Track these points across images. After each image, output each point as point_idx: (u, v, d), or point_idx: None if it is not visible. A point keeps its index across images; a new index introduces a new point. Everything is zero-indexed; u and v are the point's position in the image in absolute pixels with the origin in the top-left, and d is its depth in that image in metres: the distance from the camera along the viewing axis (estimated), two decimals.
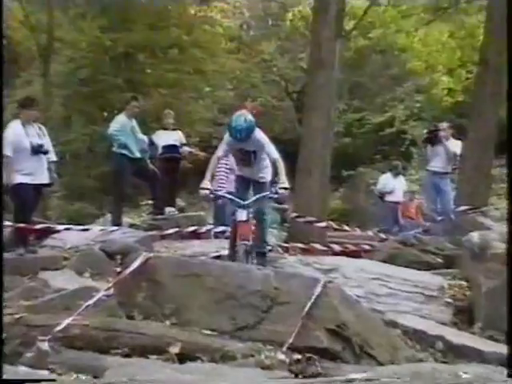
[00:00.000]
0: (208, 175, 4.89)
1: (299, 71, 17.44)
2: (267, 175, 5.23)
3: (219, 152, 5.02)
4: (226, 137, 4.95)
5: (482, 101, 7.86)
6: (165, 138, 8.25)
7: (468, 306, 4.36)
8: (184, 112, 14.65)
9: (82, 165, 14.51)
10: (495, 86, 7.51)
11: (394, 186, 10.66)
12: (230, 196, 4.96)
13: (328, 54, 7.78)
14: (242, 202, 4.81)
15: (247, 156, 4.98)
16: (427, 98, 16.01)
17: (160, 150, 8.23)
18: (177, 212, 8.34)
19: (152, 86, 14.26)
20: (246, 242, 4.64)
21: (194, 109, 15.19)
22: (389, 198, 10.59)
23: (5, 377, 2.40)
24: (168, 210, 8.08)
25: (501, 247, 4.41)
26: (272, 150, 4.92)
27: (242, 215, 4.72)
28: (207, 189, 4.81)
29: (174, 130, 8.48)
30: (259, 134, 4.93)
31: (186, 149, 8.61)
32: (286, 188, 4.71)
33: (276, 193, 4.79)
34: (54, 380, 2.47)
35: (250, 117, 4.86)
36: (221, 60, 15.91)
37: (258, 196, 4.95)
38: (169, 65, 14.40)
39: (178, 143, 8.37)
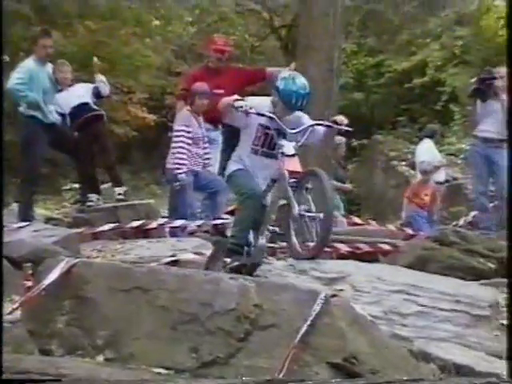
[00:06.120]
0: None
1: None
2: None
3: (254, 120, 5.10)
4: (269, 102, 5.11)
5: None
6: (67, 98, 8.18)
7: None
8: (123, 56, 14.52)
9: None
10: None
11: (442, 159, 10.84)
12: (272, 115, 5.02)
13: None
14: (288, 131, 5.04)
15: (272, 139, 5.12)
16: (474, 32, 16.06)
17: (68, 118, 8.19)
18: (121, 193, 8.28)
19: (75, 17, 14.08)
20: (295, 178, 4.89)
21: (139, 51, 15.06)
22: (435, 177, 10.65)
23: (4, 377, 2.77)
24: (118, 190, 8.12)
25: None
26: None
27: (288, 148, 4.97)
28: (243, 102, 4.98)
29: (70, 85, 8.39)
30: None
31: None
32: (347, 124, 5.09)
33: (335, 122, 5.15)
34: (58, 380, 2.74)
35: None
36: None
37: (310, 123, 5.15)
38: None
39: (87, 99, 8.32)
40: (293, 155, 4.98)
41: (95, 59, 8.51)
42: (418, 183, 10.67)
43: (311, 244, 4.94)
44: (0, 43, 6.04)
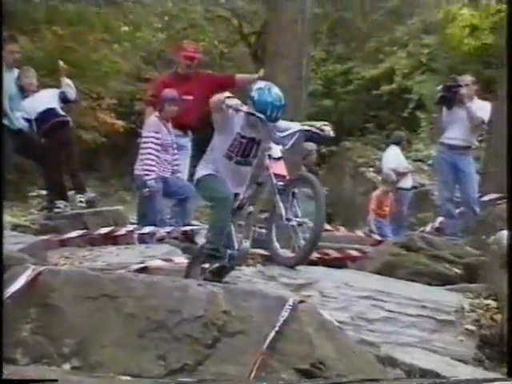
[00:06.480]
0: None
1: (259, 3, 17.42)
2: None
3: (236, 126, 5.07)
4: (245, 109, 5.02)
5: None
6: (33, 104, 8.13)
7: (498, 336, 4.44)
8: (91, 61, 14.43)
9: None
10: None
11: (408, 165, 10.95)
12: (262, 116, 4.95)
13: None
14: (278, 134, 5.06)
15: (249, 148, 5.10)
16: (441, 40, 16.26)
17: (34, 124, 8.13)
18: (82, 200, 8.23)
19: (43, 23, 13.96)
20: (282, 182, 4.89)
21: (107, 57, 14.98)
22: (401, 184, 10.73)
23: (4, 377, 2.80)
24: (79, 198, 8.06)
25: None
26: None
27: (276, 151, 4.97)
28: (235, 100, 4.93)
29: (35, 91, 8.32)
30: None
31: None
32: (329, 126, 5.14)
33: (322, 130, 5.14)
34: (55, 380, 2.73)
35: None
36: None
37: (296, 129, 5.16)
38: None
39: (53, 105, 8.27)
40: (279, 158, 4.99)
41: (61, 63, 8.42)
42: (380, 195, 10.79)
43: (296, 251, 4.94)
44: (0, 49, 6.04)
